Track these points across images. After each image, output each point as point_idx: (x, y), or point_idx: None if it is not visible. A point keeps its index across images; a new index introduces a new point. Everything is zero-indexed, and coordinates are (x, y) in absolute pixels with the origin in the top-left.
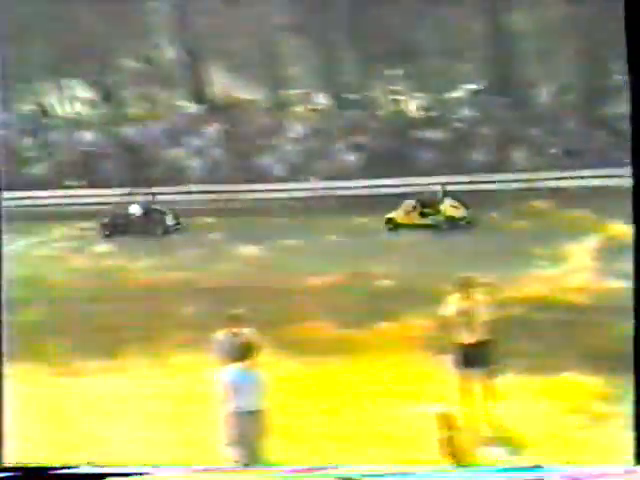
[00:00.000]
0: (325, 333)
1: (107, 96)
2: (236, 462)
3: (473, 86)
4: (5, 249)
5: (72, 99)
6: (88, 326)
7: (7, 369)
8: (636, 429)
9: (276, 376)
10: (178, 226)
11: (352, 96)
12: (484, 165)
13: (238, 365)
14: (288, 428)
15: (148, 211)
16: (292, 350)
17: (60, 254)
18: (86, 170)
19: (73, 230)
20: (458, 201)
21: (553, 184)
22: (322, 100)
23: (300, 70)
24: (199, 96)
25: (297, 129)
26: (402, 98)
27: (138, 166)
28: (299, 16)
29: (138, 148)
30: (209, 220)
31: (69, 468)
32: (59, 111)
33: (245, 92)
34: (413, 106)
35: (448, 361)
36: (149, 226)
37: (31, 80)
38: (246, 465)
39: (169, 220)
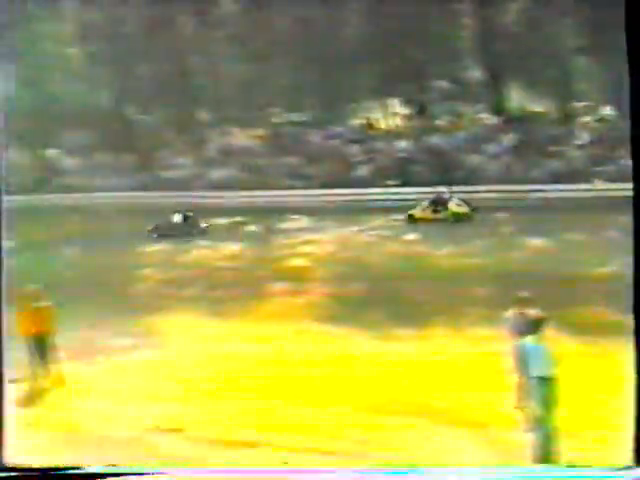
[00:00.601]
0: (601, 318)
1: (421, 111)
2: (524, 424)
3: None
4: (330, 234)
5: (392, 114)
6: (398, 300)
7: (330, 330)
8: (636, 429)
9: (557, 352)
10: (208, 228)
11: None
12: None
13: (528, 338)
14: (568, 397)
15: (186, 218)
16: (572, 331)
17: (376, 240)
18: (400, 172)
19: (388, 221)
20: (462, 201)
21: None
22: (607, 112)
23: (588, 86)
24: (497, 109)
25: (583, 137)
26: None
27: (443, 169)
28: (588, 38)
29: (444, 154)
30: (501, 215)
31: (69, 469)
32: (382, 124)
33: (538, 105)
34: None
35: None
36: (187, 229)
37: (361, 100)
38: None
39: (202, 224)
